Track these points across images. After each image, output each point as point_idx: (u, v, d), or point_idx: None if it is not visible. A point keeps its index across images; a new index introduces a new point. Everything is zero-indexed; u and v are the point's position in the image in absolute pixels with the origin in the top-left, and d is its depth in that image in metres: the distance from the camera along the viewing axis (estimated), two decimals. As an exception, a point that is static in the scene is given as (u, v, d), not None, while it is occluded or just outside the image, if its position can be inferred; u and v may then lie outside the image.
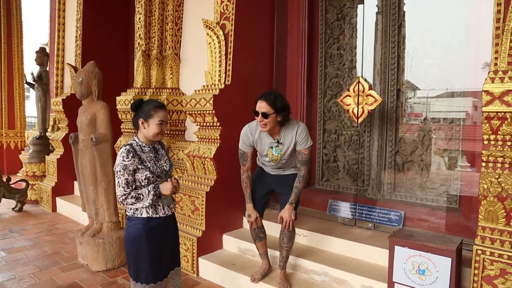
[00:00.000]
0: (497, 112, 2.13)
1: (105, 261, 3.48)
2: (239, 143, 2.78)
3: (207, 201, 3.43)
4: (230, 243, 3.57)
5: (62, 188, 5.71)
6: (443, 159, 3.31)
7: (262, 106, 2.49)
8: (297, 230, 3.19)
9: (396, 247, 2.45)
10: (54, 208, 5.63)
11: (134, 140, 2.17)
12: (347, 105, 3.28)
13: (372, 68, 3.54)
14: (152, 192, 2.07)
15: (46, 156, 6.09)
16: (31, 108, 8.68)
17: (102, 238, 3.51)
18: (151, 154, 2.18)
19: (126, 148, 2.07)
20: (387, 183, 3.52)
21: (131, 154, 2.06)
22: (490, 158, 2.19)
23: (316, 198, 3.86)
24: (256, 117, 2.55)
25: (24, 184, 5.72)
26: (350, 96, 3.25)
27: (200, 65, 3.98)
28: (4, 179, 5.50)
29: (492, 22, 2.28)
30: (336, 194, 3.84)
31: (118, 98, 4.50)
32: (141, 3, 4.50)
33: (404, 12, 3.41)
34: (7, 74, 8.42)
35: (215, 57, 3.63)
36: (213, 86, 3.57)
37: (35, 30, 15.36)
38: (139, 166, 2.08)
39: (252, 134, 2.70)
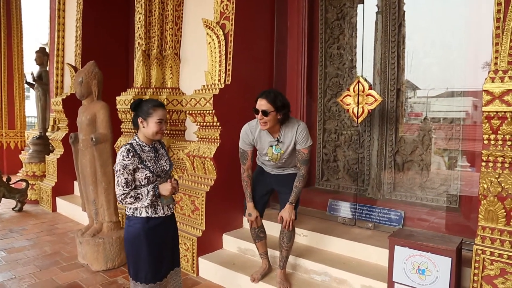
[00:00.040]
0: (497, 112, 2.13)
1: (105, 261, 3.48)
2: (239, 142, 2.79)
3: (207, 201, 3.43)
4: (230, 243, 3.57)
5: (62, 188, 5.71)
6: (443, 159, 3.31)
7: (262, 104, 2.49)
8: (297, 230, 3.19)
9: (396, 247, 2.45)
10: (54, 208, 5.63)
11: (134, 140, 2.17)
12: (347, 104, 3.28)
13: (372, 68, 3.54)
14: (151, 192, 2.07)
15: (46, 156, 6.09)
16: (31, 108, 8.68)
17: (102, 238, 3.51)
18: (151, 154, 2.18)
19: (126, 148, 2.08)
20: (387, 183, 3.52)
21: (131, 154, 2.06)
22: (490, 157, 2.19)
23: (316, 197, 3.86)
24: (256, 115, 2.55)
25: (24, 184, 5.72)
26: (350, 96, 3.25)
27: (200, 64, 3.98)
28: (4, 179, 5.50)
29: (492, 22, 2.28)
30: (336, 194, 3.84)
31: (118, 98, 4.50)
32: (141, 3, 4.50)
33: (404, 11, 3.41)
34: (7, 74, 8.42)
35: (215, 57, 3.63)
36: (213, 85, 3.57)
37: (35, 30, 15.37)
38: (139, 166, 2.08)
39: (252, 132, 2.70)
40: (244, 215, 2.92)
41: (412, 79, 3.44)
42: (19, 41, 8.58)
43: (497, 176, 2.15)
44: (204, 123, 3.62)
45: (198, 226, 3.48)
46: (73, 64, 5.86)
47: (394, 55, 3.42)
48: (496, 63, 2.20)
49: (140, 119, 2.14)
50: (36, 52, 6.93)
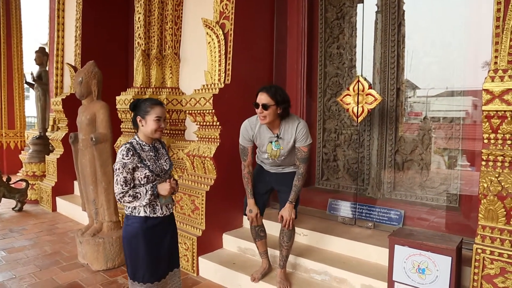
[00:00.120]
0: (497, 111, 2.13)
1: (105, 261, 3.48)
2: (239, 138, 2.79)
3: (207, 201, 3.43)
4: (230, 242, 3.57)
5: (62, 188, 5.71)
6: (443, 158, 3.31)
7: (262, 98, 2.50)
8: (297, 229, 3.19)
9: (396, 246, 2.45)
10: (54, 208, 5.63)
11: (134, 139, 2.18)
12: (347, 104, 3.28)
13: (372, 67, 3.54)
14: (149, 192, 2.07)
15: (46, 156, 6.08)
16: (31, 108, 8.67)
17: (102, 238, 3.51)
18: (151, 153, 2.18)
19: (126, 147, 2.08)
20: (387, 182, 3.52)
21: (131, 152, 2.07)
22: (490, 157, 2.19)
23: (316, 197, 3.86)
24: (256, 109, 2.55)
25: (24, 184, 5.72)
26: (350, 95, 3.24)
27: (199, 64, 3.98)
28: (4, 179, 5.50)
29: (492, 21, 2.28)
30: (336, 193, 3.84)
31: (117, 97, 4.50)
32: (141, 3, 4.50)
33: (404, 11, 3.41)
34: (7, 74, 8.41)
35: (215, 57, 3.63)
36: (212, 85, 3.57)
37: (34, 30, 15.36)
38: (139, 165, 2.08)
39: (252, 128, 2.70)
40: (244, 213, 2.92)
41: (412, 78, 3.45)
42: (18, 41, 8.58)
43: (497, 175, 2.15)
44: (204, 123, 3.62)
45: (198, 225, 3.48)
46: (73, 64, 5.86)
47: (394, 54, 3.42)
48: (496, 62, 2.20)
49: (138, 118, 2.15)
50: (36, 52, 6.92)
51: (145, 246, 2.12)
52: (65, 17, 6.33)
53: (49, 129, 6.77)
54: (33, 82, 6.88)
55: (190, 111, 3.67)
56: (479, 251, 2.19)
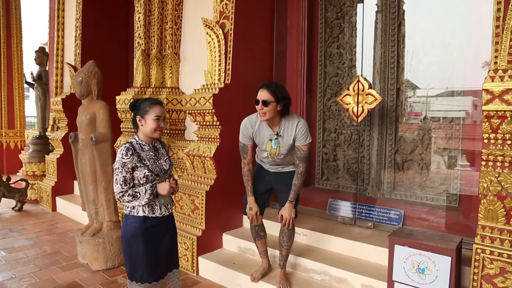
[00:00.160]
0: (497, 111, 2.13)
1: (105, 260, 3.48)
2: (239, 136, 2.78)
3: (207, 200, 3.43)
4: (230, 242, 3.57)
5: (62, 188, 5.71)
6: (443, 158, 3.31)
7: (263, 94, 2.51)
8: (297, 229, 3.19)
9: (396, 246, 2.45)
10: (54, 208, 5.63)
11: (134, 139, 2.18)
12: (347, 104, 3.27)
13: (372, 67, 3.54)
14: (149, 191, 2.07)
15: (46, 155, 6.08)
16: (30, 107, 8.67)
17: (102, 237, 3.51)
18: (150, 153, 2.18)
19: (125, 146, 2.08)
20: (387, 182, 3.52)
21: (130, 152, 2.07)
22: (490, 157, 2.19)
23: (316, 197, 3.86)
24: (256, 106, 2.55)
25: (24, 183, 5.72)
26: (350, 95, 3.24)
27: (199, 64, 3.98)
28: (4, 178, 5.50)
29: (492, 21, 2.28)
30: (336, 193, 3.84)
31: (117, 97, 4.50)
32: (141, 2, 4.50)
33: (404, 11, 3.41)
34: (7, 74, 8.41)
35: (215, 56, 3.63)
36: (212, 85, 3.56)
37: (34, 30, 15.36)
38: (138, 164, 2.08)
39: (252, 126, 2.70)
40: (244, 212, 2.92)
41: (412, 78, 3.45)
42: (18, 40, 8.57)
43: (497, 175, 2.15)
44: (204, 123, 3.62)
45: (198, 225, 3.48)
46: (73, 64, 5.86)
47: (394, 54, 3.42)
48: (496, 62, 2.20)
49: (138, 117, 2.16)
50: (36, 51, 6.92)
51: (144, 246, 2.12)
52: (65, 17, 6.33)
53: (49, 129, 6.77)
54: (33, 82, 6.89)
55: (190, 111, 3.67)
56: (479, 251, 2.19)
